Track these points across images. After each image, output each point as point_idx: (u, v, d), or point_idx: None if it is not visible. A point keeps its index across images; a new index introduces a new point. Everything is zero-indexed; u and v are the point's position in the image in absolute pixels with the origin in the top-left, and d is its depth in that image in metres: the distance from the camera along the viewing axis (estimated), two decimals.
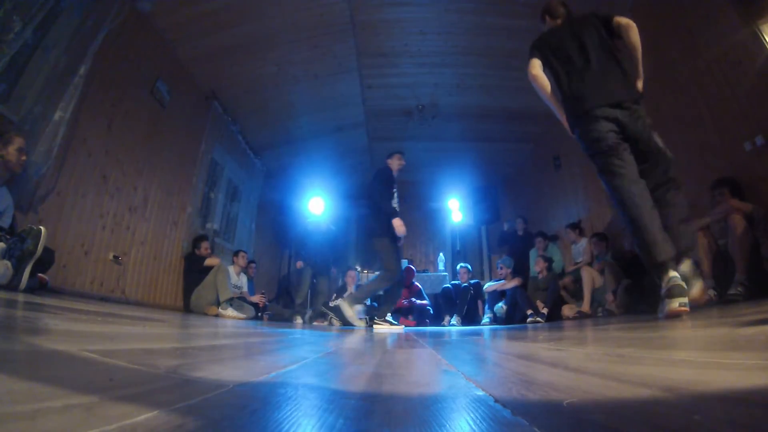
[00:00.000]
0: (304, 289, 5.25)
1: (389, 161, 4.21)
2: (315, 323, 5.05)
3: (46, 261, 2.38)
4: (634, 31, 2.10)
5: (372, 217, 4.03)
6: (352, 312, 3.71)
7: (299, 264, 5.27)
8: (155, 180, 4.00)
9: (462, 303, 5.24)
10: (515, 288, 4.76)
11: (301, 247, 5.49)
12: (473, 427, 0.36)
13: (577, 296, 4.24)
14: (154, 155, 3.97)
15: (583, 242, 4.75)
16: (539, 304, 4.48)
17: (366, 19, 4.29)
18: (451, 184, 7.39)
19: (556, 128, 5.88)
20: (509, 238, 6.20)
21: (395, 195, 4.08)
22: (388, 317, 3.82)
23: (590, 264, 4.40)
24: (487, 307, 5.10)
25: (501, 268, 5.08)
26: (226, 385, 0.50)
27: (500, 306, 4.72)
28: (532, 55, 2.29)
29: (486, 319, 4.93)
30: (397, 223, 3.76)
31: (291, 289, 5.59)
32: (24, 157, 2.38)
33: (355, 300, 3.86)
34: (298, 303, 5.19)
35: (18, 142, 2.33)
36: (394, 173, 4.20)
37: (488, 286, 5.16)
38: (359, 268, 6.60)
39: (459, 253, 7.40)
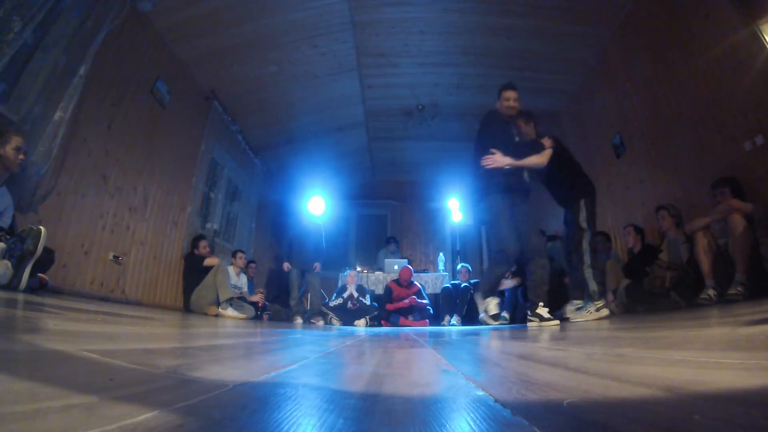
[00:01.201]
0: (296, 289, 5.26)
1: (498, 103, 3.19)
2: (312, 321, 5.05)
3: (46, 261, 2.38)
4: None
5: None
6: (491, 306, 2.93)
7: (286, 266, 5.27)
8: (155, 180, 4.00)
9: (462, 303, 5.24)
10: (516, 288, 4.74)
11: (288, 248, 5.48)
12: (473, 427, 0.36)
13: None
14: (154, 155, 3.97)
15: None
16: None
17: (366, 19, 4.29)
18: (451, 184, 7.38)
19: (556, 128, 5.90)
20: None
21: (509, 140, 2.95)
22: (541, 310, 2.70)
23: None
24: None
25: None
26: (226, 385, 0.50)
27: (503, 317, 4.71)
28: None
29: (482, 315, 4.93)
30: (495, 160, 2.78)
31: (290, 289, 5.59)
32: (22, 156, 2.37)
33: (483, 292, 3.01)
34: (293, 303, 5.20)
35: (15, 141, 2.32)
36: (502, 112, 3.08)
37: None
38: (359, 268, 6.59)
39: (459, 253, 7.39)
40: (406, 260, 6.32)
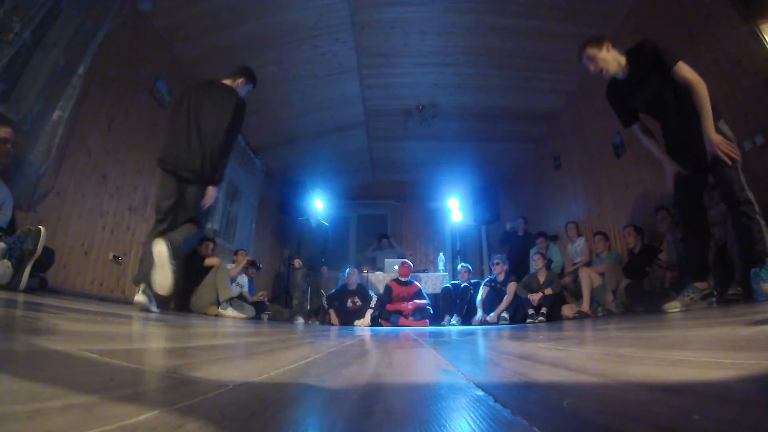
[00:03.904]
0: (301, 288, 5.26)
1: None
2: (309, 321, 5.06)
3: (46, 261, 2.38)
4: None
5: None
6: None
7: (297, 262, 5.28)
8: (155, 180, 4.00)
9: (462, 303, 5.24)
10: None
11: (295, 246, 5.48)
12: (473, 427, 0.36)
13: (577, 296, 4.25)
14: (154, 155, 3.95)
15: (580, 242, 4.76)
16: (535, 296, 4.42)
17: (366, 19, 4.29)
18: (451, 184, 7.38)
19: (556, 128, 5.91)
20: (510, 238, 6.20)
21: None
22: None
23: (589, 264, 4.40)
24: (480, 303, 5.06)
25: (497, 264, 5.05)
26: (226, 385, 0.50)
27: (504, 317, 4.71)
28: None
29: (479, 314, 4.92)
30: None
31: (290, 289, 5.59)
32: (9, 146, 2.35)
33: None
34: (296, 304, 5.20)
35: (3, 131, 2.32)
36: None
37: (480, 293, 5.10)
38: (361, 267, 6.59)
39: (459, 253, 7.39)
40: (401, 259, 6.30)
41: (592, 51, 2.33)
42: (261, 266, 5.30)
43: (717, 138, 2.03)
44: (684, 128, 2.20)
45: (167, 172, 2.54)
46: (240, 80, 2.96)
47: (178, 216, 2.55)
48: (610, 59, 2.31)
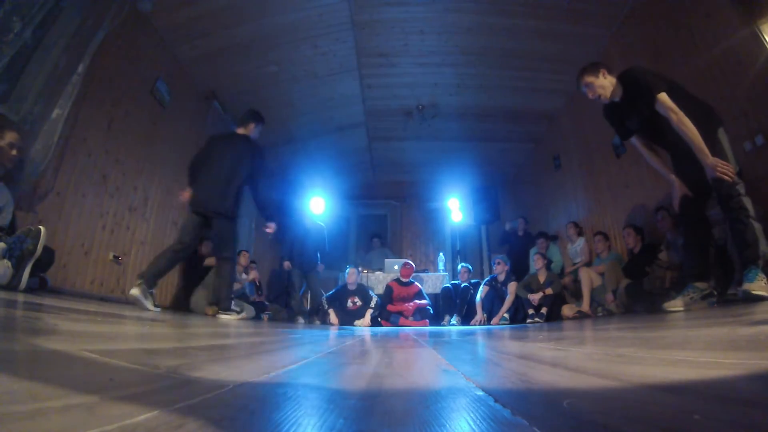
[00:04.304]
0: (297, 289, 5.27)
1: None
2: (309, 321, 5.05)
3: (46, 261, 2.38)
4: None
5: None
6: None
7: (287, 264, 5.28)
8: (155, 180, 4.00)
9: (462, 303, 5.24)
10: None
11: (290, 248, 5.48)
12: (473, 427, 0.36)
13: (577, 296, 4.25)
14: (154, 155, 3.97)
15: (580, 242, 4.75)
16: (536, 296, 4.42)
17: (366, 19, 4.29)
18: (451, 184, 7.38)
19: (556, 128, 5.91)
20: (509, 238, 6.20)
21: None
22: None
23: (589, 264, 4.40)
24: (479, 302, 5.06)
25: (499, 263, 5.07)
26: (226, 385, 0.50)
27: (504, 317, 4.72)
28: None
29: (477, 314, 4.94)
30: None
31: (290, 289, 5.59)
32: (15, 152, 2.35)
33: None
34: (294, 303, 5.20)
35: (10, 136, 2.31)
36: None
37: (480, 292, 5.11)
38: (360, 268, 6.59)
39: (459, 253, 7.39)
40: (402, 259, 6.31)
41: (589, 78, 2.39)
42: (262, 290, 5.37)
43: (712, 162, 2.06)
44: (681, 150, 2.25)
45: (194, 213, 3.09)
46: (251, 126, 3.38)
47: (217, 250, 3.33)
48: (607, 85, 2.37)
